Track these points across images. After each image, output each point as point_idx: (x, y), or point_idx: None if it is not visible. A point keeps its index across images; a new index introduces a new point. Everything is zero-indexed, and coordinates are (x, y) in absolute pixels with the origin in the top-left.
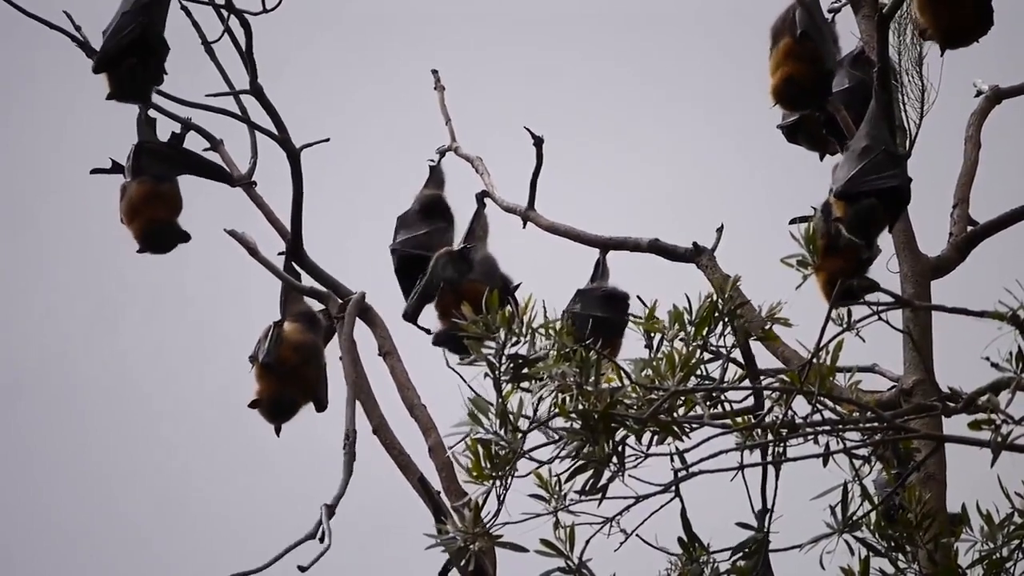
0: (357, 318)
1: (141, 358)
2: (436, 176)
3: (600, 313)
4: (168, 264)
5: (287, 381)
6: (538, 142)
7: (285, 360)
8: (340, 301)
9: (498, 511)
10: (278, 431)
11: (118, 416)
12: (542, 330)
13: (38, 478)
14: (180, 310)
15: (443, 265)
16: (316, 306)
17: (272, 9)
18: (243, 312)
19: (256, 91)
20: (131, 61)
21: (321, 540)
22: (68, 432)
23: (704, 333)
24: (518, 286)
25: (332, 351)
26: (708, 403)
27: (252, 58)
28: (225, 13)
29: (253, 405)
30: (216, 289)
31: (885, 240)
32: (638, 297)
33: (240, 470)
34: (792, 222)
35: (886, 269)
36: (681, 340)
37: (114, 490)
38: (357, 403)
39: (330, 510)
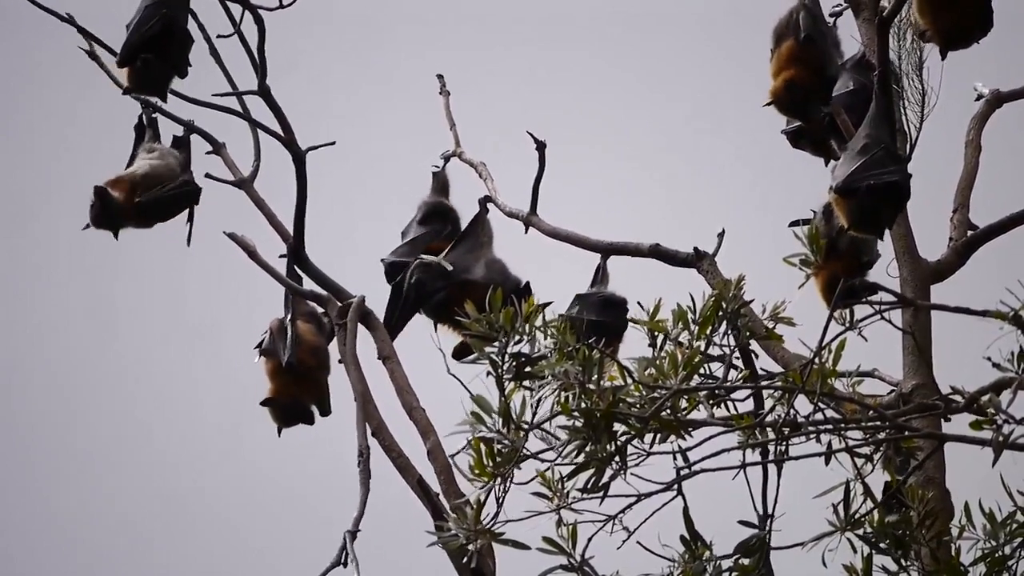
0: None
1: (140, 361)
2: (438, 182)
3: (598, 317)
4: (169, 264)
5: (301, 384)
6: (540, 147)
7: (303, 362)
8: (340, 305)
9: (498, 510)
10: (280, 431)
11: (117, 419)
12: (545, 328)
13: (38, 480)
14: (180, 311)
15: (415, 275)
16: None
17: (288, 5)
18: (244, 315)
19: (264, 92)
20: (146, 56)
21: (345, 566)
22: (67, 435)
23: (707, 332)
24: (528, 284)
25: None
26: (711, 402)
27: (263, 58)
28: (238, 11)
29: (266, 403)
30: (217, 291)
31: (885, 244)
32: (638, 303)
33: (242, 475)
34: (792, 225)
35: (886, 273)
36: (684, 339)
37: (114, 493)
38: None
39: (353, 535)
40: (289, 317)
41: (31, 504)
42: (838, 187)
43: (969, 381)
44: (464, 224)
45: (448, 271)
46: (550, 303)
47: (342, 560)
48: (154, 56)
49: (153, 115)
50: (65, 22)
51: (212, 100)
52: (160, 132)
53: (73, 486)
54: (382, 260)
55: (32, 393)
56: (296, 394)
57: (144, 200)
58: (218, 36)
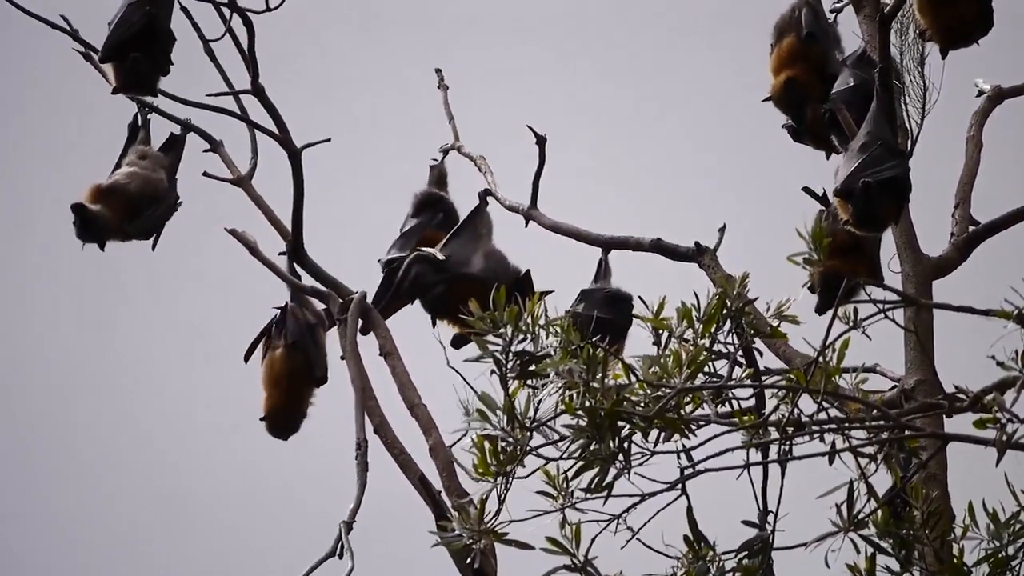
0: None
1: (140, 359)
2: (434, 175)
3: (604, 314)
4: (170, 262)
5: (304, 394)
6: (540, 141)
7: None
8: (341, 301)
9: (499, 509)
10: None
11: (117, 418)
12: (549, 327)
13: (38, 480)
14: (179, 309)
15: (413, 266)
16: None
17: (275, 8)
18: (242, 313)
19: (257, 91)
20: (135, 55)
21: (340, 557)
22: (66, 434)
23: (712, 331)
24: (528, 272)
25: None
26: (715, 401)
27: (254, 58)
28: (227, 12)
29: (264, 418)
30: (215, 289)
31: (886, 240)
32: (640, 298)
33: (242, 472)
34: (803, 190)
35: (888, 269)
36: (689, 337)
37: (113, 490)
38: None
39: (348, 526)
40: (314, 320)
41: (31, 504)
42: (837, 189)
43: (973, 379)
44: (460, 213)
45: (445, 263)
46: (551, 291)
47: (337, 551)
48: (141, 54)
49: (148, 115)
50: (58, 29)
51: (207, 100)
52: (151, 133)
53: (73, 483)
54: (379, 261)
55: (32, 393)
56: (295, 404)
57: (132, 230)
58: (208, 40)
